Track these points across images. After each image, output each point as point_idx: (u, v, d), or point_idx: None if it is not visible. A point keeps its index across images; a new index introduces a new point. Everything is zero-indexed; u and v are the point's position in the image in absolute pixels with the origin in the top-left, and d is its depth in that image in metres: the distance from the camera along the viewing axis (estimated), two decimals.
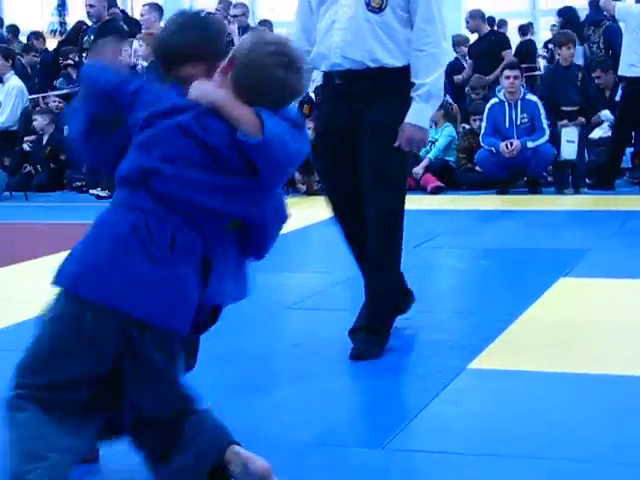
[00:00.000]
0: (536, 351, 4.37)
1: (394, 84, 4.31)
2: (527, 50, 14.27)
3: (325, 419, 3.61)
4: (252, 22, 17.35)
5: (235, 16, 11.85)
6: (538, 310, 5.02)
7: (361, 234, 4.36)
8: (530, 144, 9.48)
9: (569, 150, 9.75)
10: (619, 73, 9.97)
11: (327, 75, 4.45)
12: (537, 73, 13.62)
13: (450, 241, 7.19)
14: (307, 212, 9.15)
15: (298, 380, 4.05)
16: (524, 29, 16.30)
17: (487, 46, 11.68)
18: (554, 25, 18.38)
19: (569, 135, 9.76)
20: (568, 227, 7.85)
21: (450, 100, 11.09)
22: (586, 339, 4.57)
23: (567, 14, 13.02)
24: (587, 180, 9.94)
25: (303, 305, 5.39)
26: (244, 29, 11.36)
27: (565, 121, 9.74)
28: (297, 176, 10.18)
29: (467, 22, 12.60)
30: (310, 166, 10.12)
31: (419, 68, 4.27)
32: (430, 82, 4.26)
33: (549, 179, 10.10)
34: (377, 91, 4.30)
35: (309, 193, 10.06)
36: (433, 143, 10.36)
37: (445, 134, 10.45)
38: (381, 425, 3.58)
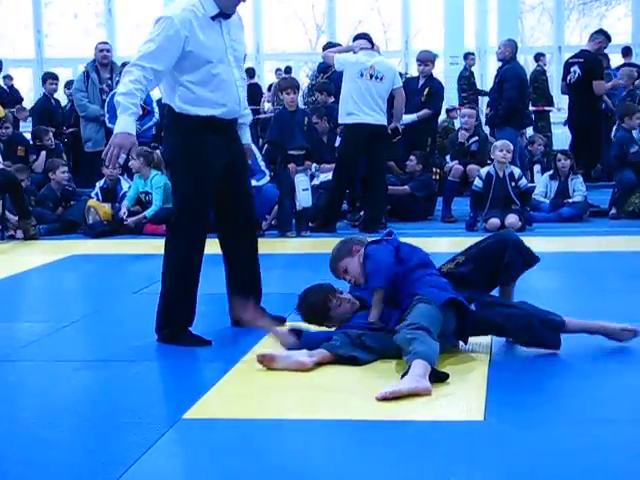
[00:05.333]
0: (253, 399, 4.35)
1: None
2: (254, 93, 14.55)
3: None
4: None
5: None
6: (255, 356, 4.99)
7: None
8: (254, 182, 9.56)
9: (305, 198, 9.92)
10: (339, 121, 10.25)
11: None
12: (262, 116, 13.86)
13: None
14: (24, 258, 8.90)
15: None
16: (251, 72, 16.64)
17: None
18: (279, 69, 18.87)
19: (303, 184, 9.92)
20: (290, 270, 7.95)
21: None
22: (305, 383, 4.56)
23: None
24: (309, 223, 10.14)
25: (13, 357, 5.16)
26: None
27: (292, 165, 9.87)
28: (12, 218, 9.93)
29: None
30: (27, 210, 9.86)
31: None
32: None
33: (272, 223, 10.23)
34: None
35: (26, 238, 9.76)
36: (147, 194, 10.34)
37: (157, 186, 10.34)
38: None
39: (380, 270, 4.94)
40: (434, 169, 11.52)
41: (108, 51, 12.19)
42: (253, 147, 9.55)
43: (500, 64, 12.23)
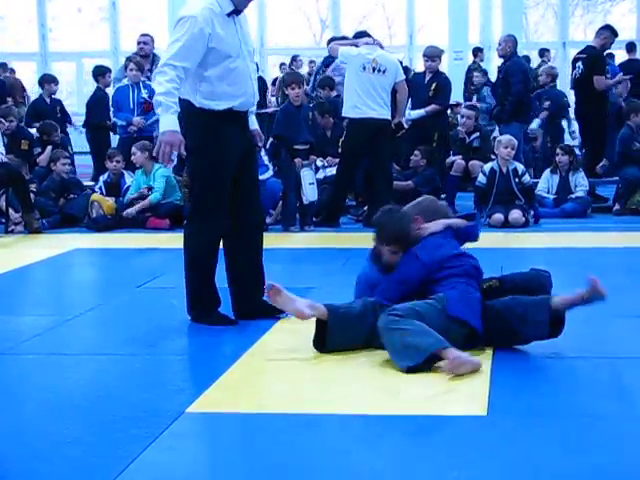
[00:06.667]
0: (255, 393, 4.35)
1: None
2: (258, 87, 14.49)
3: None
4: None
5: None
6: (258, 351, 5.01)
7: None
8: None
9: (312, 192, 9.92)
10: (343, 114, 10.23)
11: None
12: (269, 110, 13.81)
13: (173, 280, 7.09)
14: (28, 251, 8.89)
15: None
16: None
17: None
18: (283, 64, 18.86)
19: (309, 178, 9.93)
20: (294, 265, 7.95)
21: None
22: (309, 377, 4.57)
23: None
24: (313, 218, 10.14)
25: (17, 350, 5.16)
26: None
27: (298, 159, 9.87)
28: (13, 214, 9.93)
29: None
30: (31, 204, 9.86)
31: None
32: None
33: (277, 217, 10.22)
34: None
35: (30, 231, 9.76)
36: (151, 189, 10.31)
37: (159, 175, 10.32)
38: (92, 477, 3.42)
39: (388, 297, 4.93)
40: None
41: (145, 43, 12.16)
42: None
43: (502, 60, 12.22)
